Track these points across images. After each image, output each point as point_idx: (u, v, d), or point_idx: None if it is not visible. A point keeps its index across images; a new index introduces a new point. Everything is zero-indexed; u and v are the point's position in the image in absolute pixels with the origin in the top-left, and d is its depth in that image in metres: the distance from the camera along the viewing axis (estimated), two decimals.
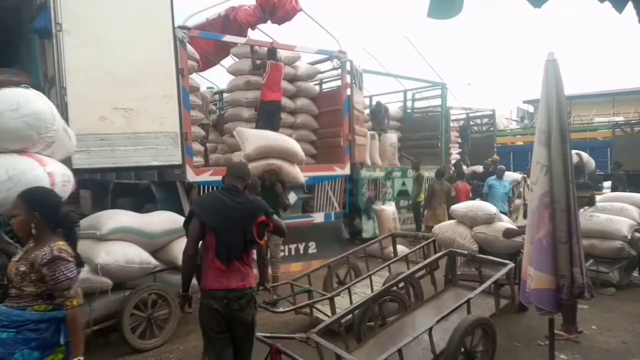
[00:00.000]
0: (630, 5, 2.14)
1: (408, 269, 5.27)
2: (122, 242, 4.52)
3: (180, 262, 4.69)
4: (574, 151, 10.91)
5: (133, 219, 4.88)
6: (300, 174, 7.26)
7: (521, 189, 9.88)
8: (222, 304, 2.96)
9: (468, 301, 3.89)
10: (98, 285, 4.32)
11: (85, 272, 4.24)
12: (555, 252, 2.78)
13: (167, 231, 4.96)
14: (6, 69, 6.48)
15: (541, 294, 2.79)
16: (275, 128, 8.17)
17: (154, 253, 4.90)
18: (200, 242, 3.08)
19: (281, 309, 4.89)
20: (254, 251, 3.54)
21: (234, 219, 3.03)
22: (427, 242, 6.16)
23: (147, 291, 4.67)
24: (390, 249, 6.83)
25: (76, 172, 5.68)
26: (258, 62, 8.53)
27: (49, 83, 6.07)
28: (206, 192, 6.94)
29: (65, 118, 5.52)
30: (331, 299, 4.77)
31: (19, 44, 7.56)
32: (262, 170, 6.58)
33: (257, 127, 8.43)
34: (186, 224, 3.12)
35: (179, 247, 4.84)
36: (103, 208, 6.43)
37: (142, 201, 7.12)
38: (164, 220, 4.94)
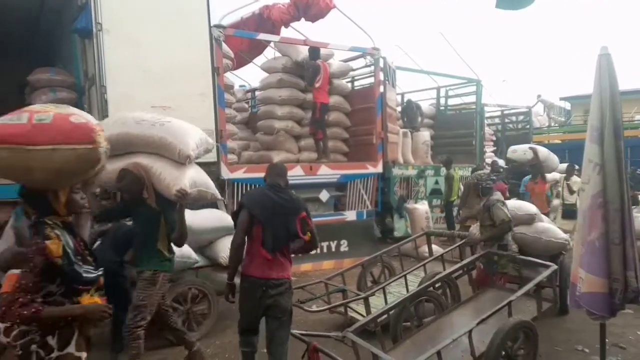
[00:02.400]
0: None
1: (444, 268, 5.18)
2: None
3: (223, 260, 4.78)
4: (527, 146, 10.35)
5: None
6: (184, 179, 3.85)
7: (559, 189, 9.57)
8: (261, 291, 3.22)
9: (509, 303, 3.79)
10: None
11: None
12: (608, 255, 2.66)
13: (212, 229, 5.02)
14: (49, 68, 6.67)
15: (593, 298, 2.67)
16: None
17: (198, 249, 4.97)
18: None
19: (315, 307, 4.88)
20: None
21: (279, 213, 3.28)
22: (462, 241, 6.04)
23: (187, 285, 4.75)
24: (424, 248, 6.73)
25: None
26: (309, 68, 8.50)
27: (89, 82, 6.22)
28: (240, 189, 7.01)
29: (105, 115, 5.67)
30: (366, 299, 4.72)
31: (60, 44, 7.78)
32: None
33: (317, 130, 8.57)
34: (235, 215, 3.38)
35: (224, 245, 4.91)
36: None
37: None
38: (210, 217, 4.99)
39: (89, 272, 2.28)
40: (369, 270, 5.98)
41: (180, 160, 4.00)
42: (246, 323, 3.39)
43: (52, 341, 2.21)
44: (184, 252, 4.68)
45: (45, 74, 6.54)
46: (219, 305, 4.81)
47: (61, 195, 2.28)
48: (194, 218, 4.96)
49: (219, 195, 4.54)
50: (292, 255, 3.47)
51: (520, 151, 10.23)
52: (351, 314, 4.92)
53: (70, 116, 2.19)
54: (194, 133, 4.23)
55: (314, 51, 8.41)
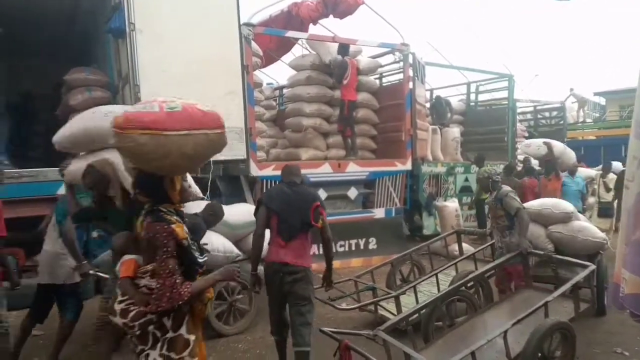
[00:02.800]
0: None
1: (476, 268, 5.09)
2: (209, 231, 4.65)
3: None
4: (541, 140, 9.86)
5: None
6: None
7: (595, 187, 9.28)
8: (278, 276, 3.53)
9: (546, 304, 3.69)
10: None
11: None
12: None
13: (248, 223, 5.06)
14: (84, 67, 6.84)
15: (637, 299, 2.56)
16: None
17: (235, 244, 5.04)
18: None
19: (344, 305, 4.87)
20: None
21: (293, 205, 3.63)
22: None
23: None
24: (454, 246, 6.62)
25: None
26: (336, 66, 8.41)
27: (123, 81, 6.34)
28: (269, 186, 7.04)
29: None
30: (397, 297, 4.69)
31: (95, 45, 7.96)
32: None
33: (346, 128, 8.53)
34: (256, 211, 3.80)
35: None
36: None
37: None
38: (245, 212, 5.06)
39: (198, 257, 2.39)
40: (398, 268, 5.93)
41: None
42: (273, 311, 3.73)
43: (167, 322, 2.28)
44: (227, 247, 4.83)
45: (81, 73, 6.71)
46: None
47: (177, 183, 2.38)
48: (229, 213, 5.06)
49: (200, 193, 4.54)
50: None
51: (534, 146, 9.85)
52: (381, 312, 4.89)
53: (196, 104, 2.35)
54: None
55: (343, 48, 8.37)
